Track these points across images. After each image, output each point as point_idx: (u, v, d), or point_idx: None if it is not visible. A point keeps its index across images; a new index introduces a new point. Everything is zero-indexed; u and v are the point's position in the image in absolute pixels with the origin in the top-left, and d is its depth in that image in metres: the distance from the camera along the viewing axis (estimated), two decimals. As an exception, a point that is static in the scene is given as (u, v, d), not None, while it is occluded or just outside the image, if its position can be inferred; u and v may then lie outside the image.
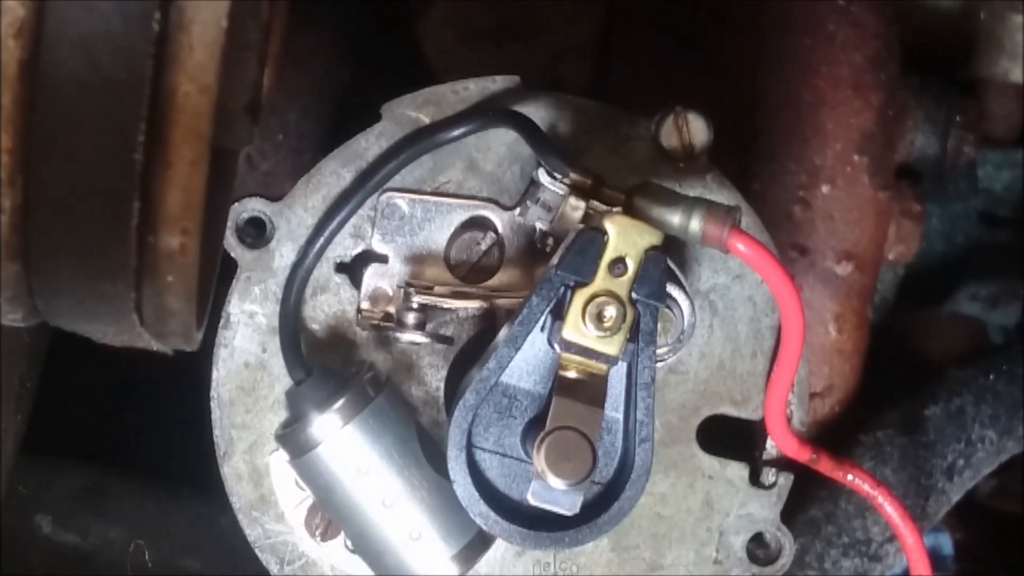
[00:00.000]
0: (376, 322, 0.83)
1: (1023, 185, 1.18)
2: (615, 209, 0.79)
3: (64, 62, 0.54)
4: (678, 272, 0.82)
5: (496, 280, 0.84)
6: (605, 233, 0.78)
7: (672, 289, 0.81)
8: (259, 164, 1.01)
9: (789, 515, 0.87)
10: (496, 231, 0.84)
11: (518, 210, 0.83)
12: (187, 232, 0.58)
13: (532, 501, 0.76)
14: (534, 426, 0.78)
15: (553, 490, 0.75)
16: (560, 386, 0.77)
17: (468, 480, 0.77)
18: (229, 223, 0.83)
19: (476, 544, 0.80)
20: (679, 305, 0.82)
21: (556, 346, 0.78)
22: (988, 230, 1.17)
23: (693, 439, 0.86)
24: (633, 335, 0.78)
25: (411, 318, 0.82)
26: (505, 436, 0.78)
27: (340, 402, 0.78)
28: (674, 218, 0.78)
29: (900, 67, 1.03)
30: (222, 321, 0.84)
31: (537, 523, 0.77)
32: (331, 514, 0.81)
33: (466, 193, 0.84)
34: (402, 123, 0.84)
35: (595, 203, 0.80)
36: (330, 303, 0.85)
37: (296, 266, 0.83)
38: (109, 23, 0.54)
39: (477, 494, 0.78)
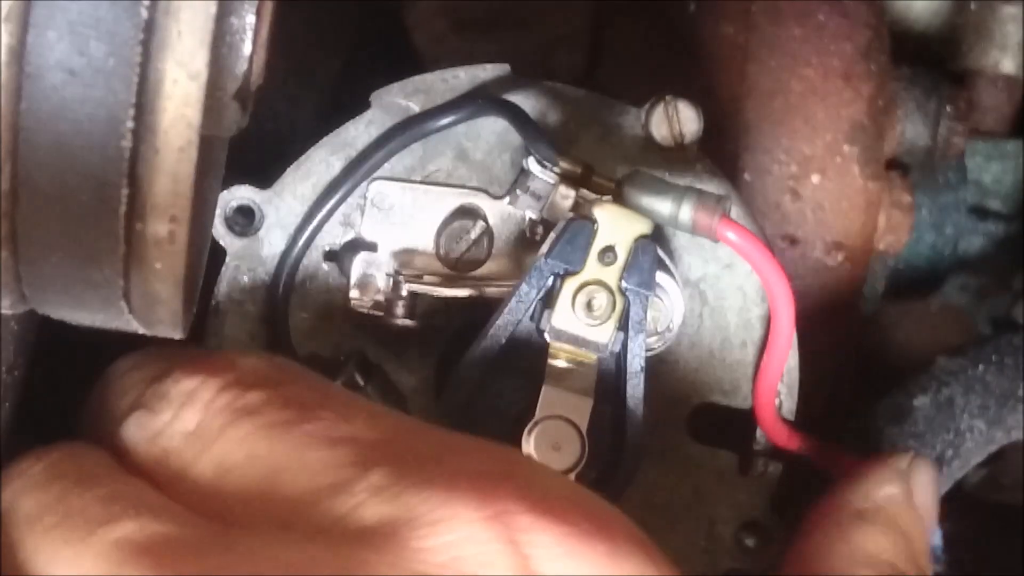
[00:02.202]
0: (365, 311, 0.83)
1: (1013, 176, 1.18)
2: (605, 198, 0.79)
3: (52, 48, 0.54)
4: (668, 261, 0.82)
5: (486, 269, 0.84)
6: (595, 222, 0.78)
7: (662, 278, 0.81)
8: (247, 152, 1.01)
9: (778, 504, 0.87)
10: (486, 220, 0.84)
11: (508, 199, 0.83)
12: (175, 219, 0.57)
13: (521, 490, 0.76)
14: (524, 415, 0.78)
15: (542, 479, 0.75)
16: (549, 375, 0.77)
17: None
18: (218, 211, 0.82)
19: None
20: (669, 294, 0.82)
21: (545, 335, 0.78)
22: (978, 221, 1.17)
23: (682, 428, 0.86)
24: (623, 324, 0.78)
25: (400, 306, 0.82)
26: (494, 424, 0.78)
27: (329, 391, 0.78)
28: (664, 207, 0.78)
29: (890, 57, 1.04)
30: (210, 310, 0.84)
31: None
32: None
33: (456, 182, 0.84)
34: (392, 111, 0.84)
35: (585, 192, 0.80)
36: (319, 292, 0.84)
37: (285, 254, 0.83)
38: (97, 9, 0.54)
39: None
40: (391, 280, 0.83)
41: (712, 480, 0.86)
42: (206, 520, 0.63)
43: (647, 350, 0.79)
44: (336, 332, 0.84)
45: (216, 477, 0.65)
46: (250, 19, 0.62)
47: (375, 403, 0.70)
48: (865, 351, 1.06)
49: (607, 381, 0.79)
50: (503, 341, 0.78)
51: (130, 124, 0.55)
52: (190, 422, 0.67)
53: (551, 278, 0.78)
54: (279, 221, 0.84)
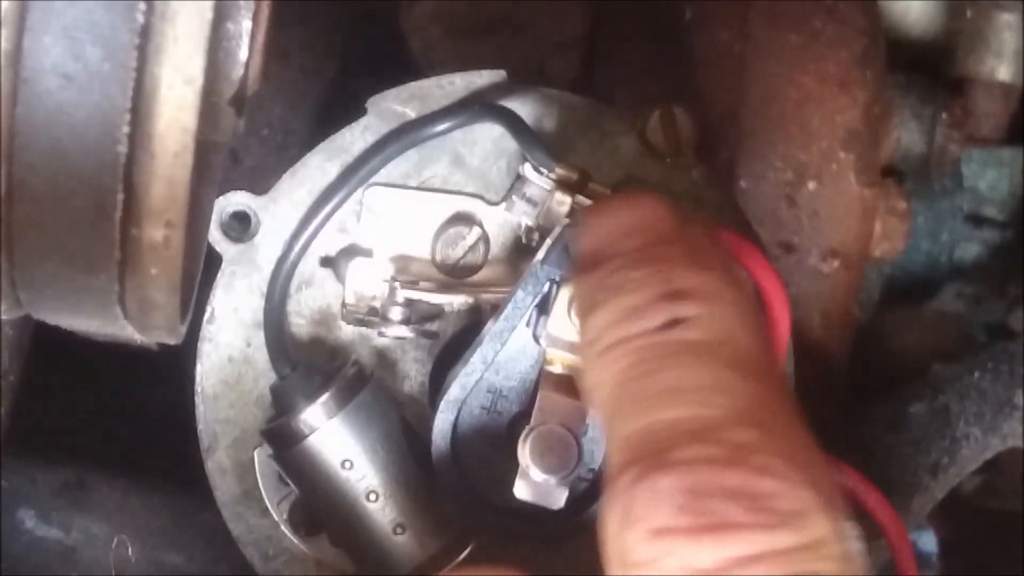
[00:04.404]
0: (361, 317, 0.83)
1: (1008, 184, 1.18)
2: (601, 204, 0.79)
3: (48, 52, 0.54)
4: (664, 268, 0.82)
5: (482, 275, 0.84)
6: (591, 228, 0.77)
7: (658, 285, 0.81)
8: (244, 158, 1.01)
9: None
10: (482, 226, 0.84)
11: (504, 205, 0.83)
12: (171, 224, 0.57)
13: (517, 496, 0.75)
14: (519, 421, 0.78)
15: (538, 485, 0.75)
16: (545, 381, 0.77)
17: (453, 474, 0.77)
18: (214, 217, 0.82)
19: (460, 539, 0.80)
20: (665, 301, 0.82)
21: (541, 341, 0.78)
22: (973, 228, 1.17)
23: (678, 435, 0.85)
24: (619, 330, 0.78)
25: (396, 313, 0.82)
26: (490, 431, 0.78)
27: (325, 397, 0.78)
28: (660, 213, 0.78)
29: (886, 65, 1.04)
30: (206, 315, 0.84)
31: (522, 518, 0.77)
32: (315, 508, 0.81)
33: (452, 188, 0.84)
34: (387, 117, 0.84)
35: (581, 198, 0.80)
36: (315, 297, 0.84)
37: (281, 260, 0.83)
38: (93, 14, 0.54)
39: (462, 488, 0.77)
40: (387, 286, 0.83)
41: (708, 487, 0.85)
42: None
43: (643, 356, 0.79)
44: (332, 338, 0.84)
45: None
46: (246, 24, 0.62)
47: None
48: (861, 358, 1.06)
49: (603, 387, 0.79)
50: (499, 347, 0.78)
51: (126, 129, 0.55)
52: None
53: (547, 284, 0.77)
54: (275, 227, 0.84)
